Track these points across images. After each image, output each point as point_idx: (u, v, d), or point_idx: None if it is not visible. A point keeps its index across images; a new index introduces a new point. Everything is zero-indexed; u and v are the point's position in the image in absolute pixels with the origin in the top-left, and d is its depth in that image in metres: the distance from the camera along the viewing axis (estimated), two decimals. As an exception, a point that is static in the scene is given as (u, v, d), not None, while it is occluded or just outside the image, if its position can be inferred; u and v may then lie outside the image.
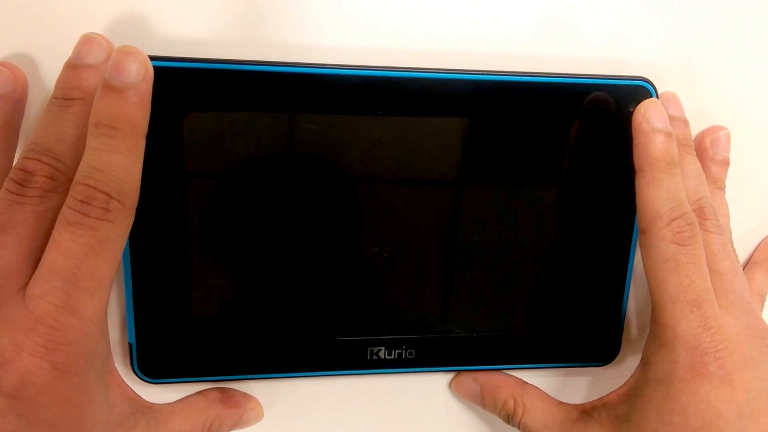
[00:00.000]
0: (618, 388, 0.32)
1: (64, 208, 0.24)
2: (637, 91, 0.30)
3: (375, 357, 0.33)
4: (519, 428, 0.33)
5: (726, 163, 0.33)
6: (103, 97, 0.24)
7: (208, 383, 0.33)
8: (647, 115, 0.29)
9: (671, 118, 0.31)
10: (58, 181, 0.25)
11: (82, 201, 0.23)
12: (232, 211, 0.29)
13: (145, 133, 0.25)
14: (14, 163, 0.25)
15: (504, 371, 0.35)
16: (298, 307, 0.32)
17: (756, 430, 0.27)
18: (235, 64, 0.27)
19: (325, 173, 0.30)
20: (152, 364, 0.30)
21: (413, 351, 0.33)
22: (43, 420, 0.24)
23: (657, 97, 0.31)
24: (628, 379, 0.31)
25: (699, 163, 0.32)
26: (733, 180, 0.34)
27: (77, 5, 0.27)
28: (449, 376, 0.35)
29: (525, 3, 0.30)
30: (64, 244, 0.23)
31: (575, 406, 0.33)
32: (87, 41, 0.26)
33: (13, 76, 0.27)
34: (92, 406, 0.25)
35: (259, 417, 0.33)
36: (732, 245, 0.32)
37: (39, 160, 0.24)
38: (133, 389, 0.30)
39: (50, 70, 0.28)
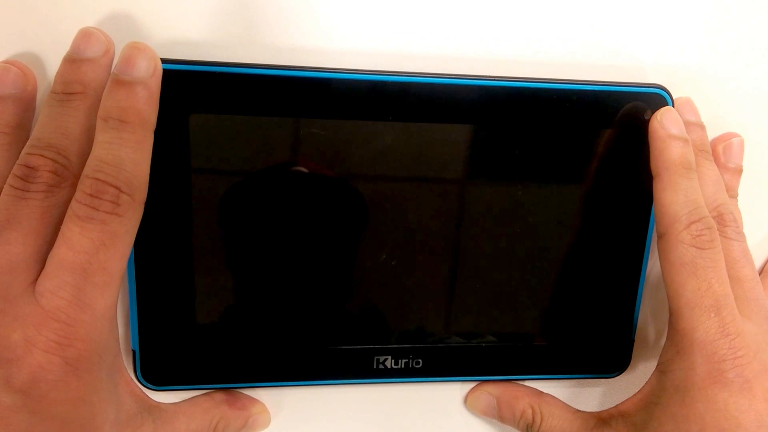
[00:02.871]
0: (633, 396, 0.31)
1: (73, 202, 0.24)
2: (652, 99, 0.30)
3: (381, 366, 0.32)
4: None
5: (739, 171, 0.33)
6: (113, 92, 0.24)
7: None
8: (663, 122, 0.29)
9: (687, 123, 0.30)
10: (62, 176, 0.24)
11: (91, 195, 0.23)
12: (237, 217, 0.29)
13: (153, 128, 0.25)
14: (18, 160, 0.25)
15: (518, 382, 0.34)
16: (303, 314, 0.31)
17: None
18: (242, 67, 0.27)
19: (332, 180, 0.29)
20: (155, 371, 0.30)
21: (420, 360, 0.32)
22: (55, 417, 0.23)
23: (672, 104, 0.30)
24: (644, 386, 0.31)
25: (717, 169, 0.31)
26: (746, 187, 0.34)
27: (78, 12, 0.27)
28: (457, 386, 0.35)
29: (538, 9, 0.30)
30: (75, 238, 0.23)
31: (592, 414, 0.32)
32: (85, 35, 0.26)
33: (23, 75, 0.27)
34: (102, 403, 0.25)
35: (266, 422, 0.33)
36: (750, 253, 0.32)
37: (42, 156, 0.24)
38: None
39: (53, 72, 0.27)
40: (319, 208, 0.30)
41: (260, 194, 0.29)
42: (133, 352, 0.30)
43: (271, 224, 0.30)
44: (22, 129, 0.27)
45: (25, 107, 0.27)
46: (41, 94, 0.28)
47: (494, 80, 0.29)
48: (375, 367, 0.32)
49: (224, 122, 0.28)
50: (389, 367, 0.32)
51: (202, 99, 0.27)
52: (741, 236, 0.31)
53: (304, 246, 0.30)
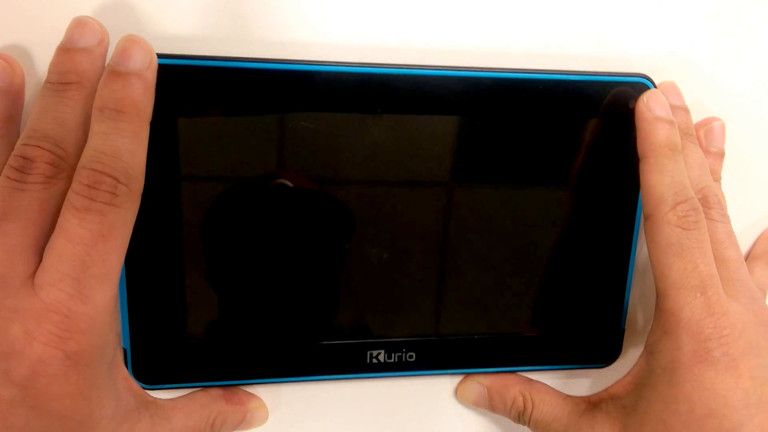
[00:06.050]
0: (623, 378, 0.32)
1: (70, 193, 0.23)
2: (636, 87, 0.30)
3: (375, 360, 0.32)
4: (529, 425, 0.33)
5: (721, 155, 0.33)
6: (109, 82, 0.24)
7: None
8: (650, 104, 0.29)
9: (672, 107, 0.31)
10: (59, 167, 0.24)
11: (88, 185, 0.23)
12: (227, 214, 0.29)
13: (149, 120, 0.25)
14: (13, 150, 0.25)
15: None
16: (296, 310, 0.31)
17: (764, 418, 0.27)
18: (229, 61, 0.27)
19: (321, 173, 0.29)
20: (147, 369, 0.30)
21: (413, 354, 0.32)
22: (54, 412, 0.23)
23: None
24: (633, 368, 0.31)
25: (702, 152, 0.32)
26: (730, 173, 0.34)
27: (64, 5, 0.27)
28: (450, 379, 0.35)
29: (523, 1, 0.31)
30: (72, 230, 0.23)
31: (582, 398, 0.33)
32: (79, 24, 0.26)
33: (10, 68, 0.26)
34: (101, 398, 0.25)
35: (264, 418, 0.33)
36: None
37: (39, 146, 0.24)
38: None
39: (43, 63, 0.27)
40: (308, 203, 0.30)
41: (249, 189, 0.29)
42: (125, 350, 0.29)
43: (261, 219, 0.30)
44: (11, 121, 0.27)
45: (14, 99, 0.27)
46: (29, 86, 0.27)
47: (480, 71, 0.29)
48: (368, 361, 0.32)
49: (211, 117, 0.28)
50: (382, 361, 0.32)
51: (188, 94, 0.27)
52: (725, 218, 0.31)
53: (295, 242, 0.30)
